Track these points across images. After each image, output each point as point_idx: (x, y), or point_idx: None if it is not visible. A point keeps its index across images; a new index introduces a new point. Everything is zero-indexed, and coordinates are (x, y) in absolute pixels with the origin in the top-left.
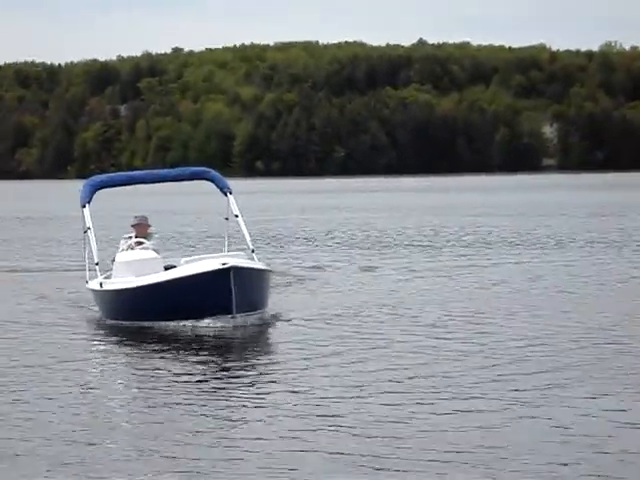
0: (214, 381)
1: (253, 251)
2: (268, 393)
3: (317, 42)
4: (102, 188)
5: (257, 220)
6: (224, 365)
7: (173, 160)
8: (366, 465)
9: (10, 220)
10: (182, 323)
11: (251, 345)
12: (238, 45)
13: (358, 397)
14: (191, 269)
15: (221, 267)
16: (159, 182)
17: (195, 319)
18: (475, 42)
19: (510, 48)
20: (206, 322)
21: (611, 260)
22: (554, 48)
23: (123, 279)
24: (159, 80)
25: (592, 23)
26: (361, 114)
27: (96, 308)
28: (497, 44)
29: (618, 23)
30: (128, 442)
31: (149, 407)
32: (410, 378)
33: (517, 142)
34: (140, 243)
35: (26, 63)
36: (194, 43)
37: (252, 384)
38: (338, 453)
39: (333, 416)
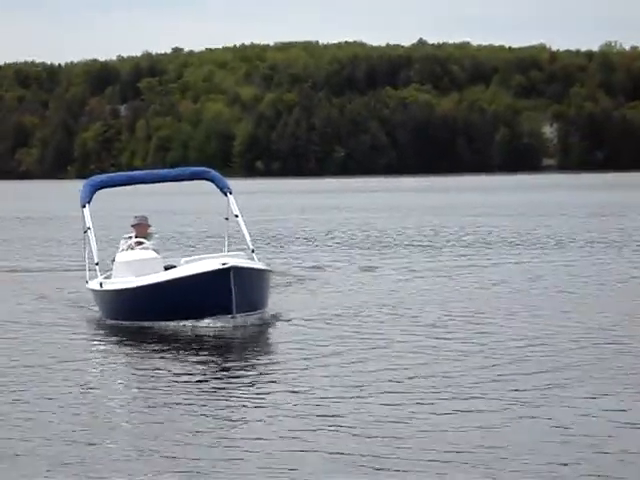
0: (214, 381)
1: (253, 251)
2: (268, 393)
3: (317, 42)
4: (102, 188)
5: (257, 220)
6: (224, 365)
7: (173, 160)
8: (366, 465)
9: (10, 220)
10: (182, 323)
11: (251, 345)
12: (238, 45)
13: (358, 397)
14: (191, 269)
15: (221, 267)
16: (159, 182)
17: (195, 319)
18: (475, 42)
19: (510, 48)
20: (206, 322)
21: (611, 260)
22: (554, 48)
23: (123, 279)
24: (159, 80)
25: (592, 23)
26: (361, 114)
27: (96, 308)
28: (497, 44)
29: (618, 23)
30: (128, 442)
31: (149, 407)
32: (410, 378)
33: (517, 142)
34: (140, 243)
35: (26, 63)
36: (194, 43)
37: (252, 384)
38: (338, 453)
39: (333, 416)
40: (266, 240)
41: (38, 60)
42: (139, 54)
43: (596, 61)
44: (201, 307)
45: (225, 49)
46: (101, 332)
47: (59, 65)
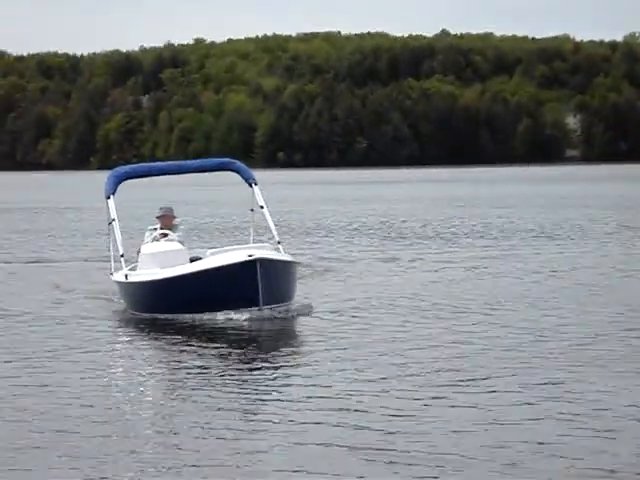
0: (236, 374)
1: (279, 242)
2: (290, 386)
3: (339, 33)
4: (127, 179)
5: (278, 211)
6: (247, 357)
7: (195, 151)
8: (385, 460)
9: (32, 210)
10: (207, 315)
11: (276, 338)
12: (260, 36)
13: (380, 391)
14: (217, 261)
15: (248, 259)
16: (184, 173)
17: (221, 311)
18: (498, 32)
19: (533, 38)
20: (232, 314)
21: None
22: (578, 38)
23: (148, 271)
24: (181, 71)
25: (616, 13)
26: (383, 105)
27: (121, 300)
28: (520, 34)
29: None
30: (148, 435)
31: (170, 400)
32: (431, 372)
33: (540, 133)
34: (165, 235)
35: (49, 54)
36: (216, 34)
37: (275, 377)
38: (358, 447)
39: (355, 410)
40: (289, 231)
41: (61, 51)
42: (161, 45)
43: (620, 51)
44: (227, 299)
45: (247, 40)
46: (125, 324)
47: (81, 56)
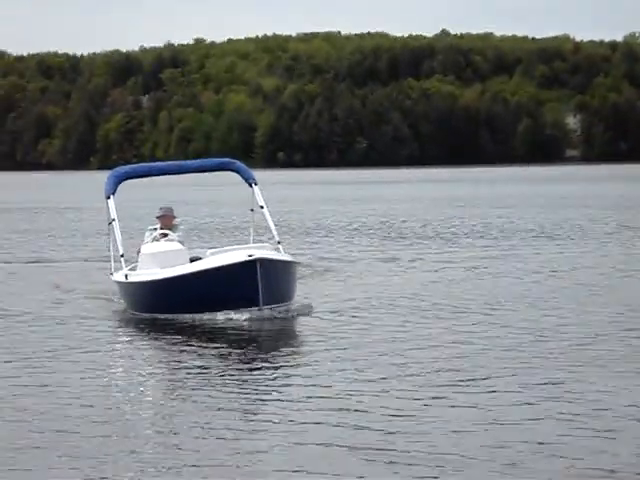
0: (237, 374)
1: (279, 242)
2: (290, 386)
3: (339, 33)
4: (127, 179)
5: (278, 211)
6: (247, 358)
7: (195, 151)
8: (386, 460)
9: (32, 210)
10: (207, 315)
11: (276, 338)
12: (260, 36)
13: (380, 391)
14: (217, 261)
15: (248, 259)
16: (184, 173)
17: (221, 311)
18: (498, 32)
19: (533, 39)
20: (232, 314)
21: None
22: (578, 38)
23: (148, 271)
24: (181, 71)
25: (616, 13)
26: (383, 105)
27: (121, 300)
28: (520, 34)
29: None
30: (148, 435)
31: (169, 400)
32: (432, 372)
33: (540, 133)
34: (165, 235)
35: (49, 54)
36: (216, 34)
37: (275, 377)
38: (358, 447)
39: (354, 410)
40: (288, 231)
41: (61, 51)
42: (161, 45)
43: (620, 51)
44: (227, 299)
45: (247, 40)
46: (125, 324)
47: (81, 56)
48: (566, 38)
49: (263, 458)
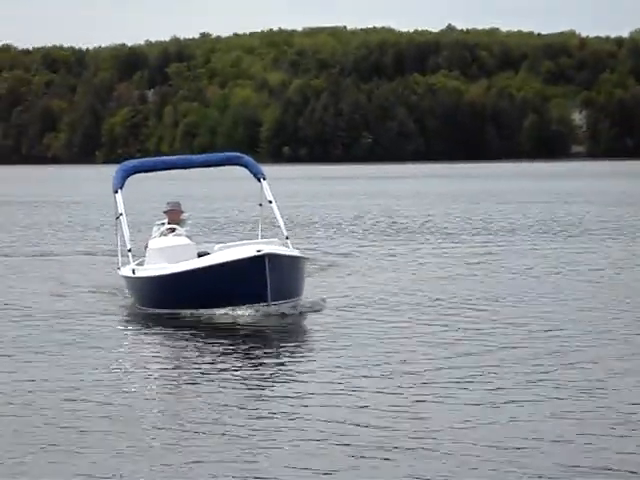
0: (243, 370)
1: (287, 238)
2: (297, 382)
3: (345, 27)
4: (135, 173)
5: (284, 206)
6: (254, 354)
7: (200, 146)
8: (391, 457)
9: (36, 204)
10: (215, 311)
11: (285, 333)
12: (266, 30)
13: (387, 388)
14: (225, 256)
15: (256, 254)
16: (192, 167)
17: (229, 307)
18: (504, 28)
19: (539, 34)
20: (240, 310)
21: None
22: (584, 34)
23: (156, 266)
24: (187, 65)
25: (622, 9)
26: (389, 100)
27: (128, 295)
28: (526, 30)
29: None
30: (155, 432)
31: (176, 395)
32: (440, 369)
33: (546, 129)
34: (173, 229)
35: (54, 47)
36: (222, 28)
37: (282, 373)
38: (364, 445)
39: (362, 407)
40: (295, 226)
41: (66, 44)
42: (167, 39)
43: (626, 47)
44: (235, 295)
45: (253, 34)
46: (132, 319)
47: (87, 49)
48: (572, 34)
49: (264, 456)
